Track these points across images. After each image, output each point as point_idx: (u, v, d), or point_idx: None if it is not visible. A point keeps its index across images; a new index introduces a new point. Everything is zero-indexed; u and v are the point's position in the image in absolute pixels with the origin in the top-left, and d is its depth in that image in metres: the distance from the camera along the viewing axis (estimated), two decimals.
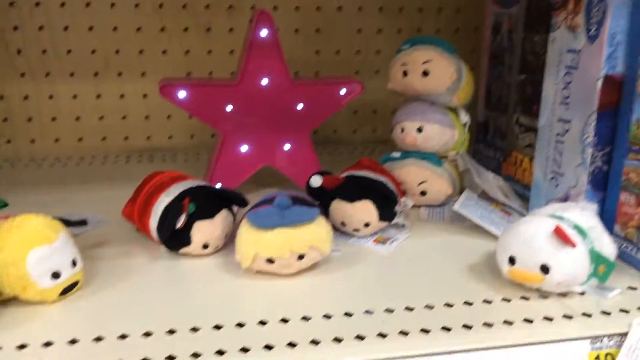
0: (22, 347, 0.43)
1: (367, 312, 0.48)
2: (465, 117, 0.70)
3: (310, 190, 0.62)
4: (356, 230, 0.62)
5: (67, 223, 0.51)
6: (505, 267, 0.51)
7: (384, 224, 0.62)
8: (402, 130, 0.70)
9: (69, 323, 0.47)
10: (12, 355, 0.42)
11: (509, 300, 0.50)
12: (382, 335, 0.45)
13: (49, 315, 0.47)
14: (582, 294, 0.51)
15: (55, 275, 0.47)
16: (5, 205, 0.51)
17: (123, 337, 0.44)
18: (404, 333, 0.45)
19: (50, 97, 0.93)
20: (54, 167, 0.90)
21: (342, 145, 1.04)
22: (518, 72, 0.77)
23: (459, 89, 0.67)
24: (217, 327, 0.46)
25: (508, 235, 0.51)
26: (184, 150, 0.99)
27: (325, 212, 0.61)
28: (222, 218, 0.58)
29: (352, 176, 0.63)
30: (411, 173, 0.69)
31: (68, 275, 0.48)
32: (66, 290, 0.49)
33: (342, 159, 0.95)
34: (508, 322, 0.47)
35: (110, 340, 0.44)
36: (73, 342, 0.44)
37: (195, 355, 0.42)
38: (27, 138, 0.94)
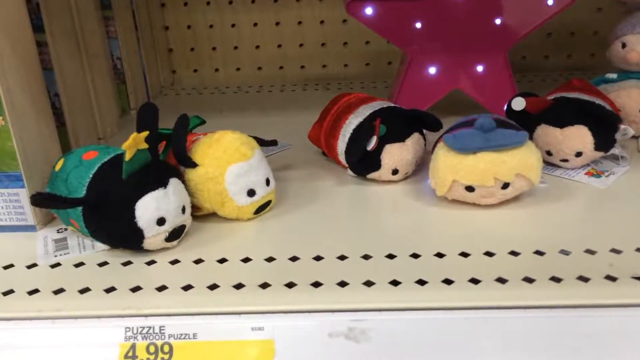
0: (222, 261, 0.43)
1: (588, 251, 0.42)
2: None
3: (511, 114, 0.56)
4: (565, 160, 0.55)
5: (260, 142, 0.50)
6: None
7: (599, 153, 0.54)
8: (624, 45, 0.60)
9: (265, 241, 0.46)
10: (214, 268, 0.43)
11: None
12: (611, 279, 0.39)
13: (245, 233, 0.48)
14: None
15: (251, 192, 0.47)
16: (203, 122, 0.51)
17: (318, 258, 0.43)
18: (638, 278, 0.38)
19: (233, 25, 0.94)
20: (237, 94, 0.91)
21: (531, 73, 0.93)
22: None
23: None
24: (415, 256, 0.43)
25: None
26: (359, 79, 0.95)
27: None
28: (413, 142, 0.54)
29: (562, 98, 0.55)
30: (632, 96, 0.60)
31: (262, 194, 0.48)
32: (260, 209, 0.49)
33: (532, 89, 0.85)
34: None
35: (305, 260, 0.43)
36: (270, 259, 0.43)
37: (395, 282, 0.39)
38: (211, 67, 0.96)
